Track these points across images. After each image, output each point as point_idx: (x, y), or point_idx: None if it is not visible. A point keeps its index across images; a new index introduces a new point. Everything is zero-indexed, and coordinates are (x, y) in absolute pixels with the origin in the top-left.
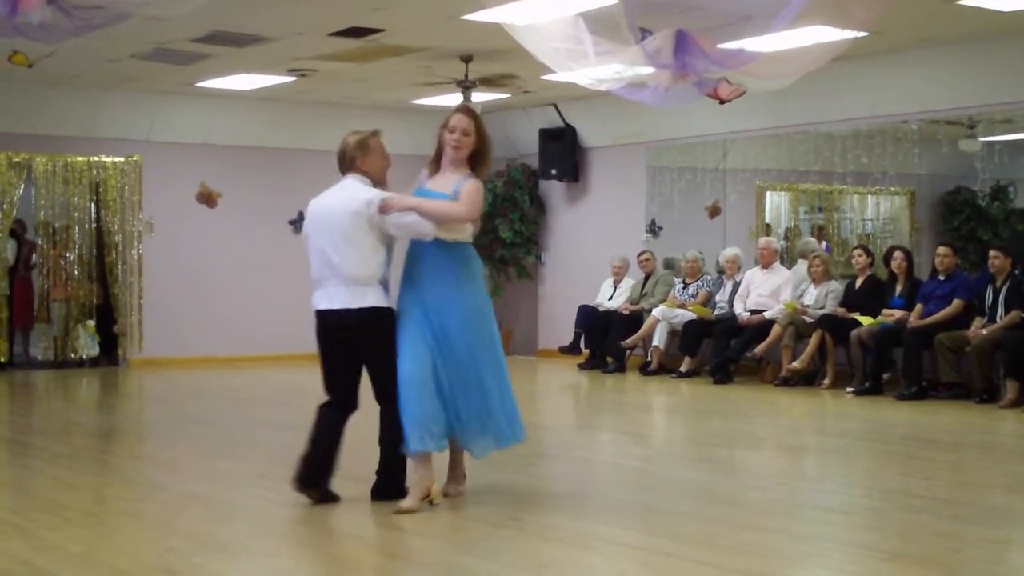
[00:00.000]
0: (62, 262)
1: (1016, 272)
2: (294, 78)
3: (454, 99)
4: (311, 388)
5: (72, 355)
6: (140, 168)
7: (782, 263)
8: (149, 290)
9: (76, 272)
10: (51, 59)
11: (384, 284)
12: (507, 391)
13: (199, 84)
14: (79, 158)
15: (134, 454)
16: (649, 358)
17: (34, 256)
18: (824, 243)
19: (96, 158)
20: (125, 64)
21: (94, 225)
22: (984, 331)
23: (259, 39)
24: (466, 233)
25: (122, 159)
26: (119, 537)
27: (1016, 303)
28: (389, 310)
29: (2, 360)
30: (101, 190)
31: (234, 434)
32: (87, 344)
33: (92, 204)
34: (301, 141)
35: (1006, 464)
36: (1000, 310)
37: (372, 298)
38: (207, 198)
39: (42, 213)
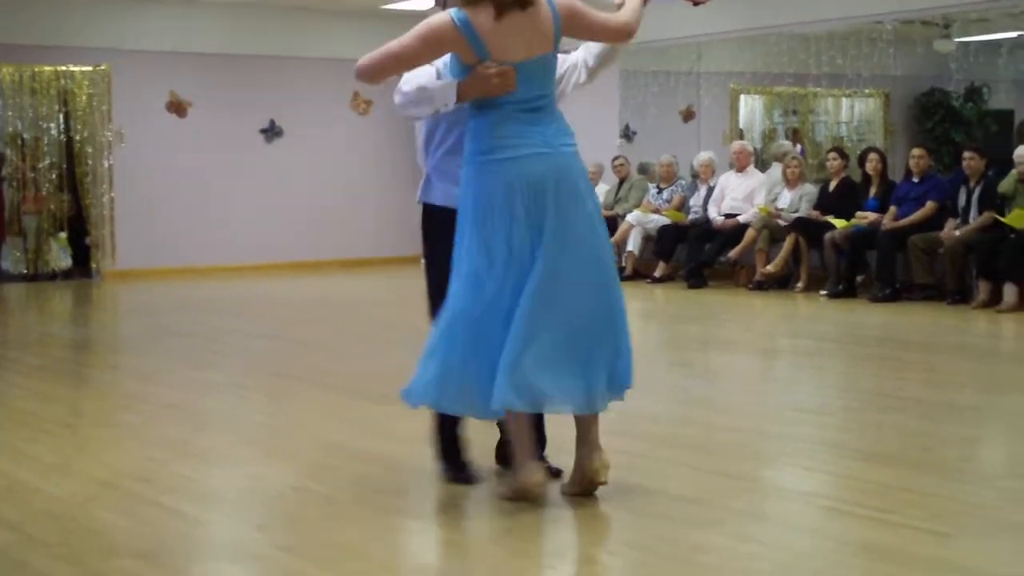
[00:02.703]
0: (32, 174)
1: (990, 173)
2: None
3: (426, 3)
4: (284, 297)
5: (45, 268)
6: (109, 77)
7: (756, 167)
8: (121, 201)
9: (47, 184)
10: None
11: None
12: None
13: None
14: (46, 68)
15: (110, 365)
16: (623, 263)
17: (3, 168)
18: (798, 146)
19: (64, 67)
20: None
21: (63, 136)
22: (957, 232)
23: None
24: None
25: (90, 68)
26: (96, 447)
27: (989, 204)
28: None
29: None
30: (70, 100)
31: (210, 344)
32: (59, 256)
33: (61, 114)
34: (272, 48)
35: (977, 364)
36: (973, 211)
37: None
38: (177, 107)
39: (10, 125)
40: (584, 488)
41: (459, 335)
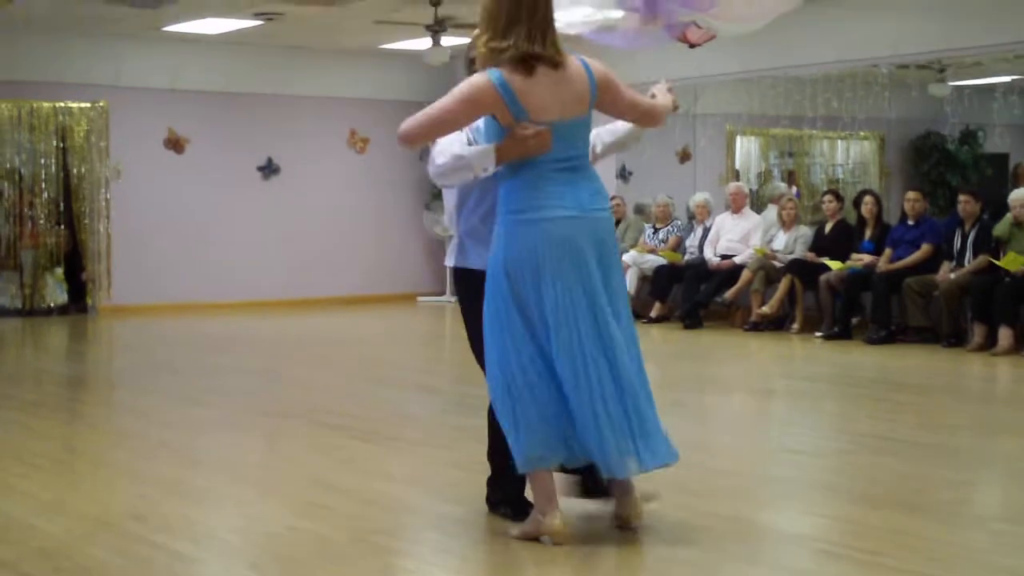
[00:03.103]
0: (29, 209)
1: (985, 216)
2: (261, 22)
3: (422, 43)
4: (279, 334)
5: (41, 303)
6: (106, 114)
7: (752, 208)
8: (117, 237)
9: (43, 219)
10: (16, 3)
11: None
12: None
13: (165, 28)
14: (45, 104)
15: (104, 402)
16: None
17: (1, 203)
18: (794, 188)
19: (62, 104)
20: (91, 7)
21: (61, 171)
22: (952, 275)
23: None
24: None
25: (88, 105)
26: (90, 484)
27: (984, 247)
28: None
29: None
30: (68, 136)
31: (204, 381)
32: (55, 292)
33: (59, 150)
34: (268, 86)
35: (972, 407)
36: (968, 254)
37: None
38: (175, 144)
39: (8, 160)
40: (620, 524)
41: (519, 401)
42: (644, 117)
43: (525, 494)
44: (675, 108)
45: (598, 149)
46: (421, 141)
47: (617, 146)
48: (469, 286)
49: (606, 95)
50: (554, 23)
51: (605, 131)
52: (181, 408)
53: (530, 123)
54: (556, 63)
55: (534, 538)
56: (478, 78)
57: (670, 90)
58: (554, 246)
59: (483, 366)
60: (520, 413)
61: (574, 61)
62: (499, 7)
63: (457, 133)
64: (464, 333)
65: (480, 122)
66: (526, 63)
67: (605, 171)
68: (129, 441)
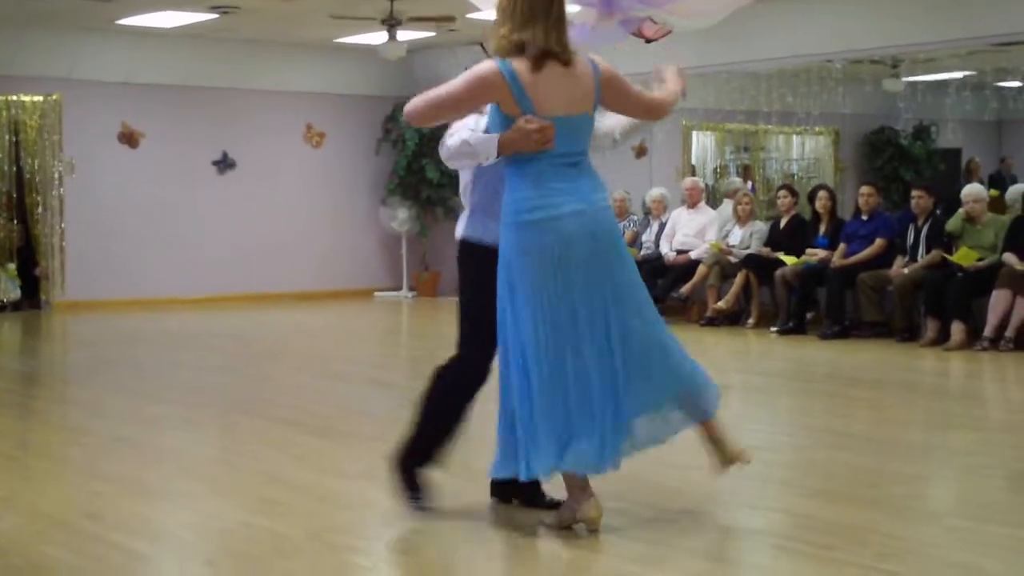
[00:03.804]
0: None
1: (937, 212)
2: (217, 15)
3: (379, 37)
4: (235, 330)
5: None
6: (60, 107)
7: (708, 203)
8: (71, 232)
9: None
10: None
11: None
12: None
13: (120, 21)
14: None
15: (58, 398)
16: None
17: None
18: (749, 183)
19: (14, 97)
20: (45, 0)
21: (13, 166)
22: (905, 270)
23: None
24: None
25: (41, 98)
26: (43, 481)
27: (937, 242)
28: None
29: None
30: (20, 130)
31: (159, 377)
32: (8, 287)
33: (11, 144)
34: (224, 80)
35: (925, 401)
36: (921, 249)
37: None
38: (129, 138)
39: None
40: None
41: (540, 402)
42: (650, 112)
43: (541, 486)
44: (683, 94)
45: (618, 136)
46: (425, 121)
47: (636, 129)
48: (474, 257)
49: (611, 93)
50: (566, 23)
51: (615, 123)
52: (136, 404)
53: (535, 117)
54: (566, 61)
55: (568, 527)
56: (486, 64)
57: (681, 72)
58: (565, 242)
59: (466, 336)
60: (541, 414)
61: (582, 59)
62: (516, 3)
63: (473, 117)
64: (432, 322)
65: (491, 116)
66: (537, 58)
67: None
68: (83, 437)
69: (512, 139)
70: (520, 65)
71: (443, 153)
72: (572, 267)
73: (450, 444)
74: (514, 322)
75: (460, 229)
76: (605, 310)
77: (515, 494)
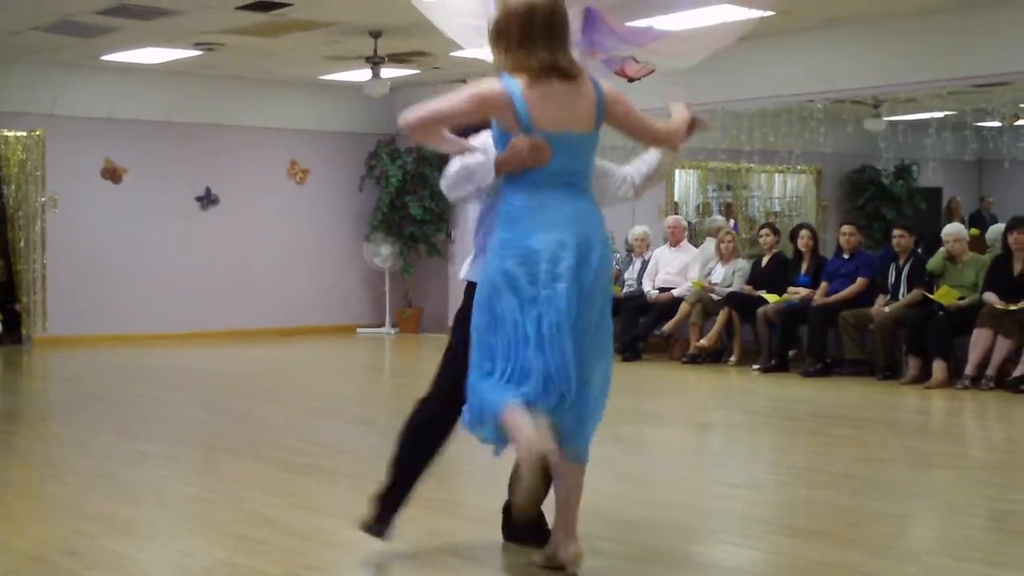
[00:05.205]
0: None
1: (919, 250)
2: (201, 52)
3: (362, 75)
4: (217, 366)
5: None
6: (43, 143)
7: (690, 241)
8: (53, 267)
9: None
10: None
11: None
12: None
13: (104, 57)
14: None
15: (38, 435)
16: None
17: None
18: (732, 221)
19: None
20: (28, 36)
21: None
22: (887, 309)
23: (165, 12)
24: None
25: (24, 133)
26: (22, 519)
27: (918, 281)
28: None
29: None
30: (3, 165)
31: (140, 413)
32: None
33: None
34: (208, 116)
35: (907, 440)
36: (903, 288)
37: None
38: (112, 174)
39: None
40: (552, 565)
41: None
42: (656, 139)
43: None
44: (694, 125)
45: (637, 181)
46: (421, 131)
47: (656, 173)
48: None
49: (615, 115)
50: (569, 41)
51: (638, 163)
52: (117, 441)
53: (535, 133)
54: (570, 76)
55: (553, 567)
56: (489, 80)
57: (688, 107)
58: (551, 251)
59: (445, 371)
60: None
61: (587, 79)
62: (514, 21)
63: (477, 156)
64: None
65: (492, 131)
66: (540, 73)
67: None
68: (63, 475)
69: (506, 159)
70: (523, 81)
71: (444, 184)
72: (558, 280)
73: (419, 482)
74: (491, 324)
75: (467, 271)
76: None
77: (529, 535)
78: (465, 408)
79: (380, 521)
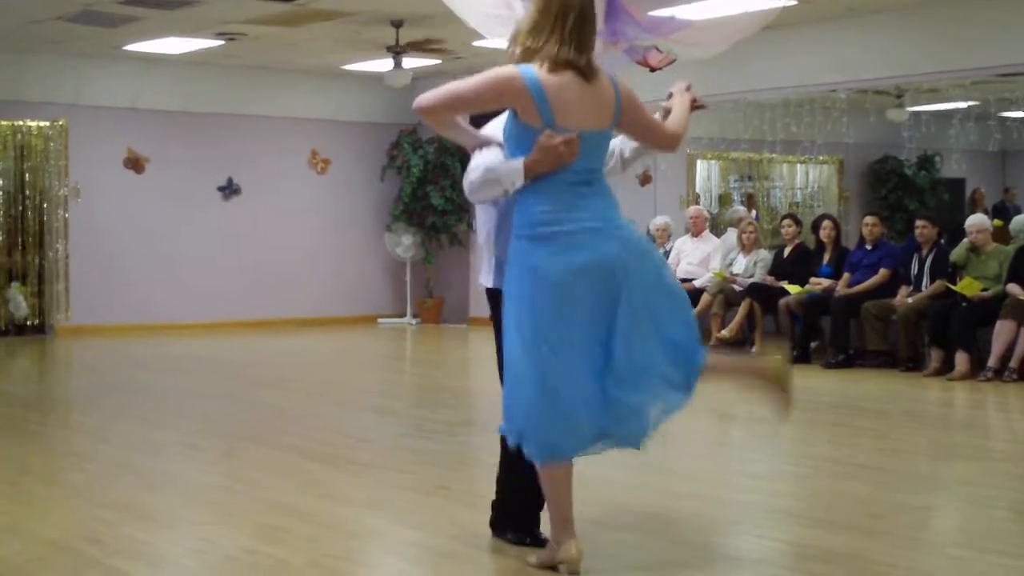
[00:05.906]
0: None
1: (941, 241)
2: (223, 42)
3: (384, 64)
4: (239, 356)
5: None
6: (66, 133)
7: (712, 231)
8: (76, 257)
9: (2, 238)
10: None
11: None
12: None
13: (126, 47)
14: (3, 122)
15: (61, 423)
16: None
17: None
18: (753, 211)
19: (21, 122)
20: (50, 26)
21: (20, 191)
22: (910, 300)
23: (188, 2)
24: None
25: (48, 123)
26: (45, 507)
27: (941, 272)
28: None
29: None
30: (27, 155)
31: (162, 402)
32: (19, 306)
33: (17, 169)
34: (230, 106)
35: (929, 432)
36: (926, 279)
37: None
38: (134, 163)
39: None
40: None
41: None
42: (662, 143)
43: (540, 528)
44: (695, 106)
45: (627, 154)
46: (434, 114)
47: (636, 159)
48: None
49: (629, 115)
50: (594, 40)
51: (623, 143)
52: (138, 430)
53: (556, 128)
54: (588, 74)
55: (551, 567)
56: (507, 67)
57: (688, 89)
58: (579, 261)
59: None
60: (546, 402)
61: (604, 77)
62: (542, 16)
63: (495, 151)
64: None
65: (506, 127)
66: (560, 66)
67: None
68: (85, 463)
69: (538, 159)
70: (543, 73)
71: (467, 189)
72: (582, 288)
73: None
74: (517, 327)
75: (489, 279)
76: (610, 338)
77: (511, 528)
78: (504, 421)
79: (524, 535)
